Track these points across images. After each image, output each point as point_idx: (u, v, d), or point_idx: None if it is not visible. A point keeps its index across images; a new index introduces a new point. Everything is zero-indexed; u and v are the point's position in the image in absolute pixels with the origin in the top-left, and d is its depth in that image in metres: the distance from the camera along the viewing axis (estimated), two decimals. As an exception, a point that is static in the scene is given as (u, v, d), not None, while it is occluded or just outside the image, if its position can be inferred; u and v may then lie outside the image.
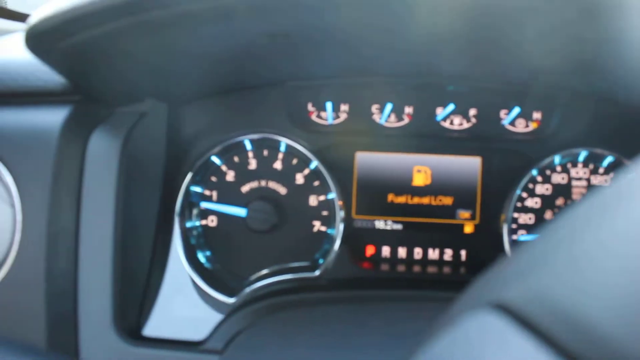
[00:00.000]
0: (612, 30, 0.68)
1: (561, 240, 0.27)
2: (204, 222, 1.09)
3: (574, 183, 1.05)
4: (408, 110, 1.07)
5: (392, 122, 1.08)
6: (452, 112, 1.07)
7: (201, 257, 1.07)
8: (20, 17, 1.35)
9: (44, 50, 0.73)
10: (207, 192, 1.08)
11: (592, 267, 0.25)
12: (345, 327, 0.85)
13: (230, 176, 1.08)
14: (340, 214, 1.06)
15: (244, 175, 1.08)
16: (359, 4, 0.69)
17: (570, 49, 0.82)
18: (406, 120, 1.08)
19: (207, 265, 1.07)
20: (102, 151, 0.90)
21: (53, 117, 0.87)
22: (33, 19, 0.68)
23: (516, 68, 0.98)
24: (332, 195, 1.06)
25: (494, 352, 0.25)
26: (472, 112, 1.07)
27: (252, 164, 1.08)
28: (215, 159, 1.07)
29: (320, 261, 1.06)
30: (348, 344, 0.82)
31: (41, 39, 0.70)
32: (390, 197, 1.08)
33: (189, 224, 1.07)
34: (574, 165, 1.06)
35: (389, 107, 1.07)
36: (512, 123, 1.07)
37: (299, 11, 0.69)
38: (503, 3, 0.67)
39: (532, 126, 1.07)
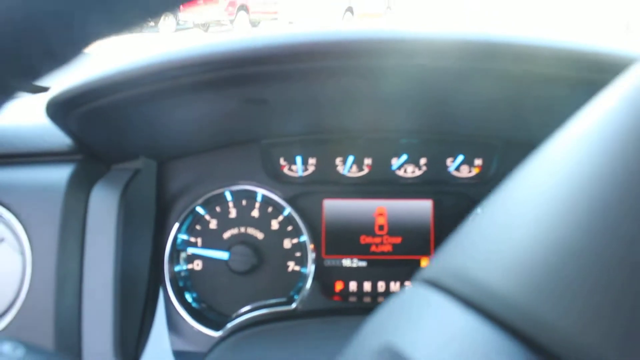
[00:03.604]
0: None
1: (468, 226, 0.36)
2: (190, 266, 1.21)
3: (513, 219, 1.21)
4: (367, 161, 1.23)
5: (354, 173, 1.23)
6: (406, 162, 1.23)
7: (189, 297, 1.19)
8: None
9: (60, 117, 0.88)
10: (192, 239, 1.21)
11: (483, 239, 0.33)
12: (322, 342, 0.97)
13: (213, 224, 1.22)
14: (312, 255, 1.20)
15: (225, 223, 1.22)
16: (329, 76, 0.86)
17: (507, 107, 1.00)
18: (366, 170, 1.23)
19: (194, 304, 1.19)
20: (102, 204, 1.03)
21: (59, 174, 1.00)
22: (53, 92, 0.83)
23: (461, 122, 1.15)
24: (304, 238, 1.20)
25: (419, 310, 0.33)
26: (423, 160, 1.23)
27: (233, 213, 1.22)
28: (200, 209, 1.21)
29: (295, 297, 1.19)
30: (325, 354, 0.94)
31: (59, 108, 0.85)
32: (356, 238, 1.22)
33: (177, 268, 1.19)
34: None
35: (350, 159, 1.22)
36: (457, 169, 1.23)
37: (276, 83, 0.86)
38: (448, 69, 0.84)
39: (475, 171, 1.23)
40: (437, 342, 0.29)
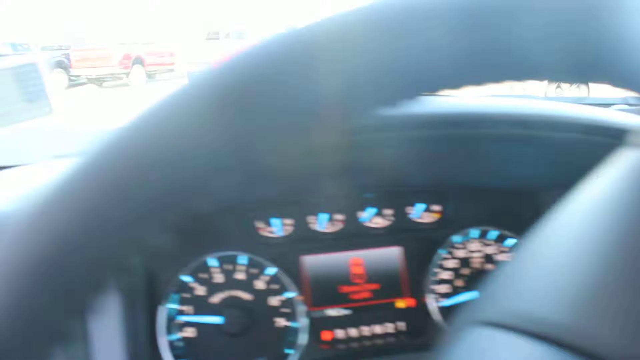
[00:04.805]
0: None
1: (512, 265, 0.38)
2: (183, 334, 1.26)
3: (473, 254, 1.36)
4: (339, 217, 1.34)
5: (328, 229, 1.34)
6: (373, 215, 1.35)
7: None
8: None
9: None
10: (183, 308, 1.26)
11: (531, 275, 0.35)
12: None
13: (201, 291, 1.27)
14: (300, 310, 1.28)
15: (212, 288, 1.28)
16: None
17: (457, 160, 1.15)
18: (339, 225, 1.34)
19: None
20: None
21: None
22: None
23: (417, 176, 1.29)
24: (290, 294, 1.28)
25: (488, 350, 0.33)
26: (388, 212, 1.36)
27: (218, 278, 1.28)
28: (186, 278, 1.26)
29: (287, 351, 1.26)
30: None
31: None
32: (337, 288, 1.32)
33: (171, 337, 1.24)
34: (471, 241, 1.36)
35: (324, 217, 1.33)
36: (419, 216, 1.36)
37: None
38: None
39: (435, 217, 1.37)
40: None
